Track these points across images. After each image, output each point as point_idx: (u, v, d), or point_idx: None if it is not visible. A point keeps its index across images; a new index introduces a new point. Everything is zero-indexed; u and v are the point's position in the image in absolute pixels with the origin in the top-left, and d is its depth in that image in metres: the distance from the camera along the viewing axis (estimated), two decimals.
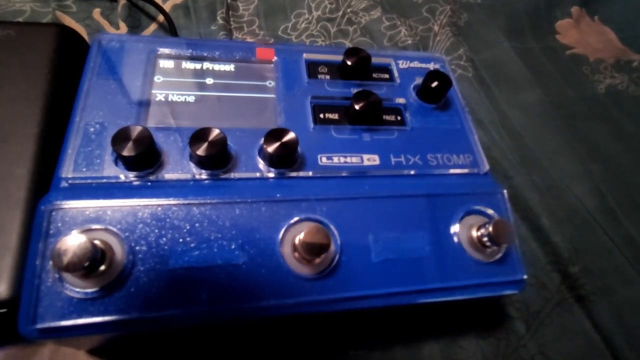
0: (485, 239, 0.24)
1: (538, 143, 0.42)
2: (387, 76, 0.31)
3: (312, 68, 0.30)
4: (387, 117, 0.29)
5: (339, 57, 0.30)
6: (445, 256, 0.24)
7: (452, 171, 0.28)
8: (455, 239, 0.25)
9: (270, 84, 0.29)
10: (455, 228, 0.25)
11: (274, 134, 0.24)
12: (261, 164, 0.25)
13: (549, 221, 0.36)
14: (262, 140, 0.24)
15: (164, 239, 0.21)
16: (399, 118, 0.29)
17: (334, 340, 0.29)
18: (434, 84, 0.29)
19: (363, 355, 0.29)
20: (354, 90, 0.28)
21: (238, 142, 0.25)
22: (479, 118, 0.43)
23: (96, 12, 0.41)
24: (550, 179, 0.40)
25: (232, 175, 0.24)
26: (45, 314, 0.19)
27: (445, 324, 0.30)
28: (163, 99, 0.27)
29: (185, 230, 0.21)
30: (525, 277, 0.25)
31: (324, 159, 0.26)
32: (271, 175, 0.25)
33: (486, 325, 0.31)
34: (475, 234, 0.25)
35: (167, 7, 0.43)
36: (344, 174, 0.26)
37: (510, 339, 0.31)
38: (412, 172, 0.27)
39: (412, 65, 0.33)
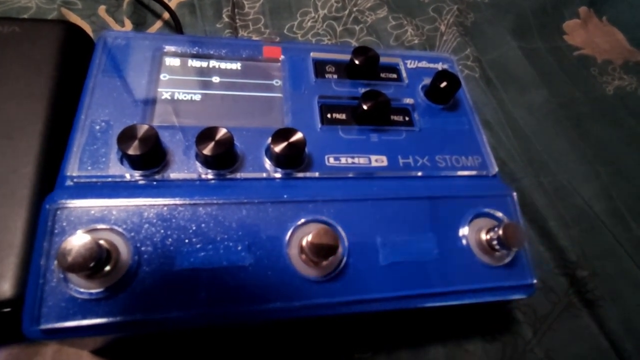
0: (494, 242, 0.24)
1: (545, 144, 0.42)
2: (395, 76, 0.31)
3: (320, 67, 0.30)
4: (395, 118, 0.28)
5: (346, 57, 0.30)
6: (454, 259, 0.24)
7: (460, 173, 0.27)
8: (464, 242, 0.24)
9: (277, 82, 0.29)
10: (464, 231, 0.25)
11: (282, 134, 0.24)
12: (268, 164, 0.24)
13: (556, 224, 0.36)
14: (269, 140, 0.24)
15: (170, 239, 0.21)
16: (407, 118, 0.29)
17: (338, 343, 0.28)
18: (443, 84, 0.29)
19: (368, 359, 0.28)
20: (362, 90, 0.28)
21: (244, 141, 0.25)
22: (486, 119, 0.42)
23: (101, 9, 0.40)
24: (558, 181, 0.39)
25: (239, 175, 0.24)
26: (49, 314, 0.18)
27: (451, 328, 0.30)
28: (169, 98, 0.26)
29: (191, 231, 0.21)
30: (535, 281, 0.25)
31: (332, 160, 0.26)
32: (278, 175, 0.24)
33: (492, 329, 0.31)
34: (484, 237, 0.24)
35: (172, 4, 0.42)
36: (351, 175, 0.25)
37: (517, 343, 0.30)
38: (420, 174, 0.26)
39: (420, 65, 0.32)
